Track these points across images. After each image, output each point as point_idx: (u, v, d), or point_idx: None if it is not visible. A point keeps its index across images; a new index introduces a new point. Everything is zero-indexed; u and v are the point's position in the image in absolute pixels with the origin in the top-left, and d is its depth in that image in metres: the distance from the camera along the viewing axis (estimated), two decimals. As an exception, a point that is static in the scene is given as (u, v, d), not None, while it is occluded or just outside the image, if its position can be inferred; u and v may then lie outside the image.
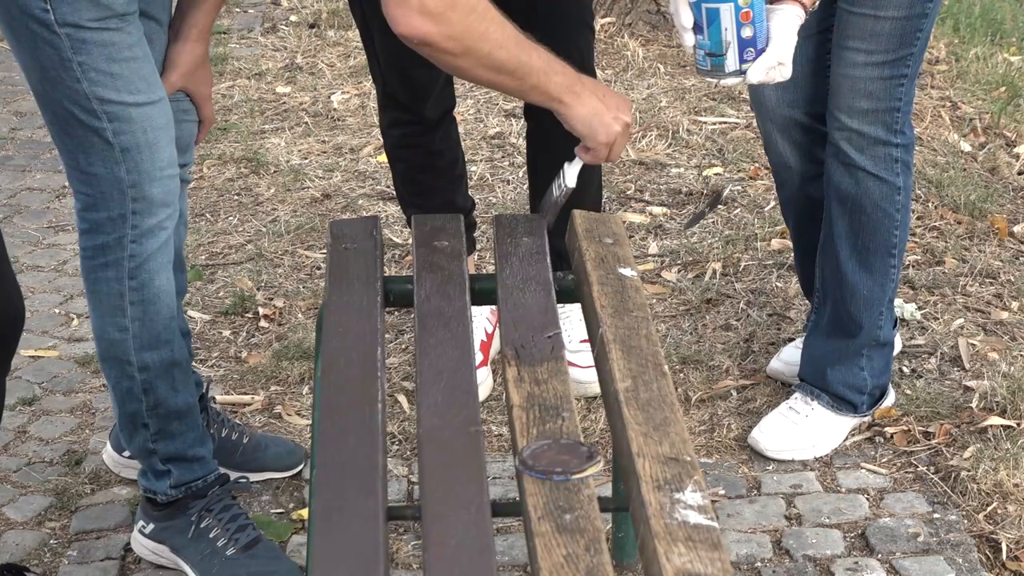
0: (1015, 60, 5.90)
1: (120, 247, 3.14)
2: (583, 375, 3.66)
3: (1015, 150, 5.03)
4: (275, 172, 5.05)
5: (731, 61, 3.05)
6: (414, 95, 3.90)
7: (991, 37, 6.06)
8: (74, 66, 3.01)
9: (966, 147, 4.98)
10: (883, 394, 3.72)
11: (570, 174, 3.20)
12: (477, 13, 2.84)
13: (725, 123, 5.21)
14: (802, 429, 3.64)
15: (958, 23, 6.09)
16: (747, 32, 3.01)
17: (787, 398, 3.71)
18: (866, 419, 3.70)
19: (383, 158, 4.94)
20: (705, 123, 5.22)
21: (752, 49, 3.03)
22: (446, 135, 4.01)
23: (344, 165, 5.09)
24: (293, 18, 6.37)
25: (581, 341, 3.68)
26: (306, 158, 5.13)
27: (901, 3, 3.39)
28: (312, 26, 6.30)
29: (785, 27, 3.07)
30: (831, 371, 3.64)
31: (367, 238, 3.19)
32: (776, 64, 3.07)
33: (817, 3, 3.14)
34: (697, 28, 3.05)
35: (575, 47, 3.93)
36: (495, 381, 3.85)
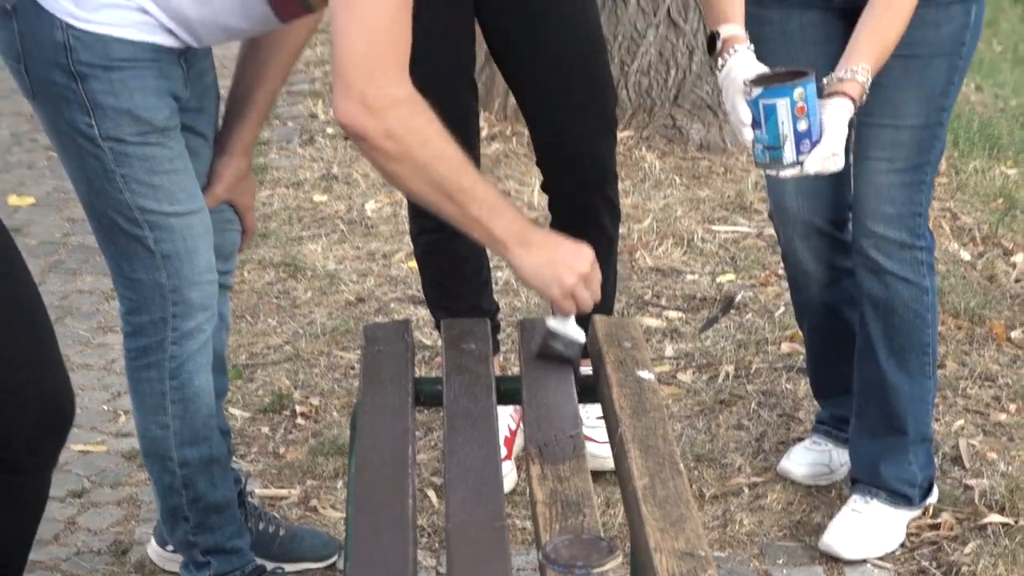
0: (1012, 173, 5.91)
1: (161, 349, 3.15)
2: (599, 450, 3.64)
3: (1012, 259, 5.03)
4: (312, 277, 5.06)
5: (788, 153, 3.05)
6: None
7: (989, 151, 6.07)
8: (117, 178, 3.03)
9: (966, 256, 4.98)
10: (931, 485, 3.70)
11: (557, 326, 2.98)
12: (421, 118, 2.71)
13: (737, 232, 5.22)
14: (868, 528, 3.61)
15: (958, 138, 6.09)
16: (802, 125, 3.02)
17: (844, 501, 3.68)
18: (919, 511, 3.68)
19: (414, 264, 4.95)
20: (718, 232, 5.23)
21: (808, 141, 3.03)
22: (472, 242, 4.02)
23: (377, 270, 5.10)
24: (329, 130, 6.40)
25: (597, 418, 3.67)
26: (341, 263, 5.14)
27: (918, 112, 3.42)
28: (347, 138, 6.34)
29: (837, 119, 3.08)
30: (884, 468, 3.61)
31: (399, 341, 3.21)
32: (831, 154, 3.06)
33: (865, 97, 3.14)
34: (755, 123, 3.06)
35: (598, 152, 3.96)
36: (519, 476, 3.85)
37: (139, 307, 3.15)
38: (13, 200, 5.87)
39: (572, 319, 2.93)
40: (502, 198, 2.84)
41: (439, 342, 3.51)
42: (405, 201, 5.31)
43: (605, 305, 4.08)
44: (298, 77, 3.30)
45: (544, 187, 4.07)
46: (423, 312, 4.67)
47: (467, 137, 3.99)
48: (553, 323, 2.94)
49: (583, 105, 3.93)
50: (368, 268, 5.11)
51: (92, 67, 2.96)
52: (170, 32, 3.00)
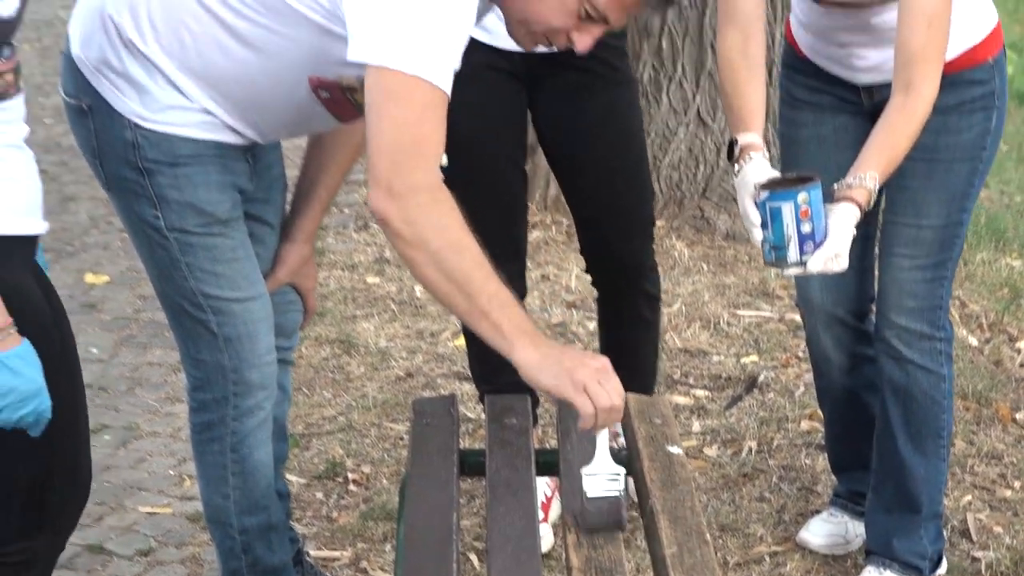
0: (1016, 265, 5.90)
1: (223, 425, 3.17)
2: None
3: (1017, 345, 5.02)
4: (365, 353, 5.07)
5: (792, 253, 3.05)
6: None
7: (995, 244, 6.07)
8: (182, 266, 3.05)
9: (973, 342, 4.98)
10: (941, 557, 3.70)
11: (591, 480, 2.65)
12: (441, 207, 2.64)
13: (760, 316, 5.23)
14: None
15: (967, 231, 6.09)
16: (806, 227, 3.02)
17: (859, 571, 3.68)
18: None
19: (459, 342, 4.98)
20: (743, 316, 5.24)
21: (811, 242, 3.03)
22: None
23: (425, 348, 5.12)
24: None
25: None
26: (392, 341, 5.16)
27: (940, 213, 3.43)
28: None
29: (842, 222, 3.07)
30: (897, 542, 3.61)
31: (445, 415, 3.23)
32: (834, 255, 3.05)
33: (872, 202, 3.15)
34: (764, 224, 3.06)
35: (638, 251, 3.99)
36: (556, 540, 3.85)
37: (203, 385, 3.18)
38: (89, 278, 5.92)
39: (607, 455, 2.66)
40: (514, 299, 2.69)
41: (483, 415, 3.53)
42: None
43: (645, 383, 4.10)
44: (355, 167, 3.31)
45: (587, 271, 4.12)
46: (468, 387, 4.69)
47: (515, 224, 4.03)
48: (587, 476, 2.64)
49: (627, 209, 3.96)
50: (417, 346, 5.13)
51: (158, 163, 2.98)
52: (233, 130, 3.02)
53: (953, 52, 3.32)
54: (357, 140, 3.24)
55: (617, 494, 2.62)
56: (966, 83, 3.38)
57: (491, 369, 4.01)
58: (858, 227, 3.34)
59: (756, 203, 3.08)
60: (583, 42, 2.80)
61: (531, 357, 2.63)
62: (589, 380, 2.59)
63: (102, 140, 3.04)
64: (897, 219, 3.46)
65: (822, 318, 3.69)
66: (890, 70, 3.23)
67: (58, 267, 5.97)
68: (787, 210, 3.02)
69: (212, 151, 3.01)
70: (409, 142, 2.64)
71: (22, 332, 2.52)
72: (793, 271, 3.11)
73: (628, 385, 3.99)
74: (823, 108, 3.52)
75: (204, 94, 2.96)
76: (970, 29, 3.37)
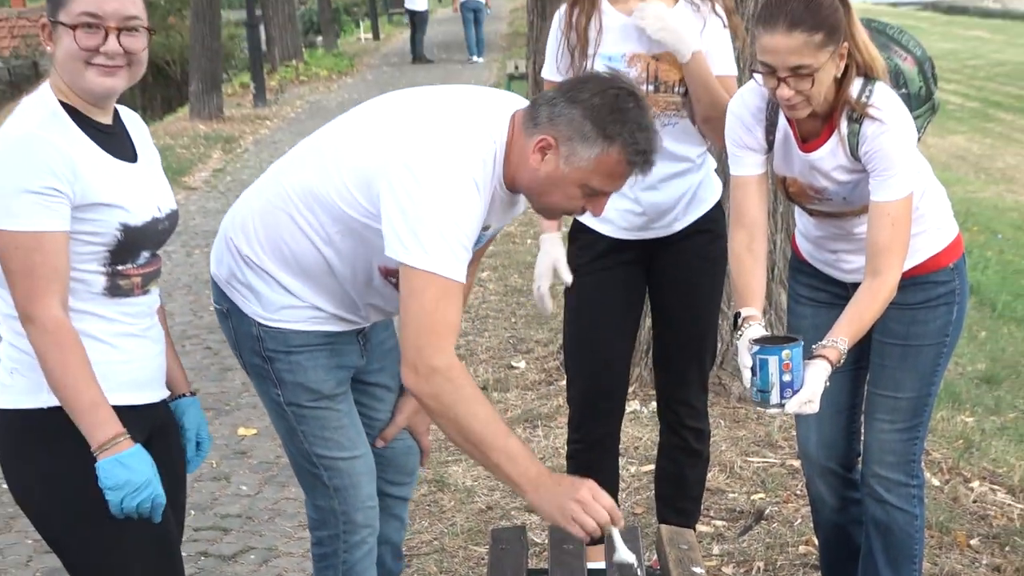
0: (969, 421, 5.87)
1: (335, 556, 3.18)
2: None
3: (970, 484, 4.96)
4: (455, 490, 5.06)
5: (774, 397, 3.04)
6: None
7: (952, 404, 6.05)
8: (299, 433, 3.09)
9: (936, 482, 4.92)
10: None
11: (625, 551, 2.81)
12: (457, 382, 2.71)
13: (767, 462, 5.20)
14: None
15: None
16: (787, 377, 3.02)
17: None
18: None
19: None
20: (752, 462, 5.20)
21: (790, 390, 3.03)
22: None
23: (502, 486, 5.06)
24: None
25: None
26: (476, 480, 5.15)
27: (913, 387, 3.44)
28: (483, 388, 6.36)
29: (816, 375, 3.07)
30: None
31: (517, 541, 3.24)
32: (807, 400, 3.05)
33: (842, 360, 3.13)
34: (754, 371, 3.06)
35: (698, 402, 4.00)
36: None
37: (319, 525, 3.20)
38: (241, 431, 5.95)
39: (620, 544, 2.77)
40: (522, 449, 2.76)
41: (547, 541, 3.52)
42: (525, 437, 5.35)
43: (695, 506, 4.09)
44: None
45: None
46: (535, 518, 4.69)
47: (619, 390, 4.01)
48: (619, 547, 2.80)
49: (698, 374, 4.00)
50: (495, 484, 5.10)
51: (277, 352, 3.03)
52: (338, 318, 3.06)
53: (920, 259, 3.36)
54: None
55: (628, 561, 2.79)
56: (931, 284, 3.41)
57: None
58: (847, 398, 3.37)
59: (749, 353, 3.10)
60: (597, 210, 2.90)
61: (533, 499, 2.73)
62: (575, 511, 2.67)
63: (238, 335, 3.10)
64: (879, 392, 3.48)
65: (817, 468, 3.68)
66: None
67: (217, 422, 6.02)
68: (772, 362, 3.04)
69: (320, 340, 3.05)
70: (427, 331, 2.71)
71: None
72: (774, 411, 3.11)
73: (675, 505, 4.01)
74: (820, 303, 3.56)
75: (309, 291, 3.00)
76: (934, 241, 3.41)
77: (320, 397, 3.07)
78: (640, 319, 4.04)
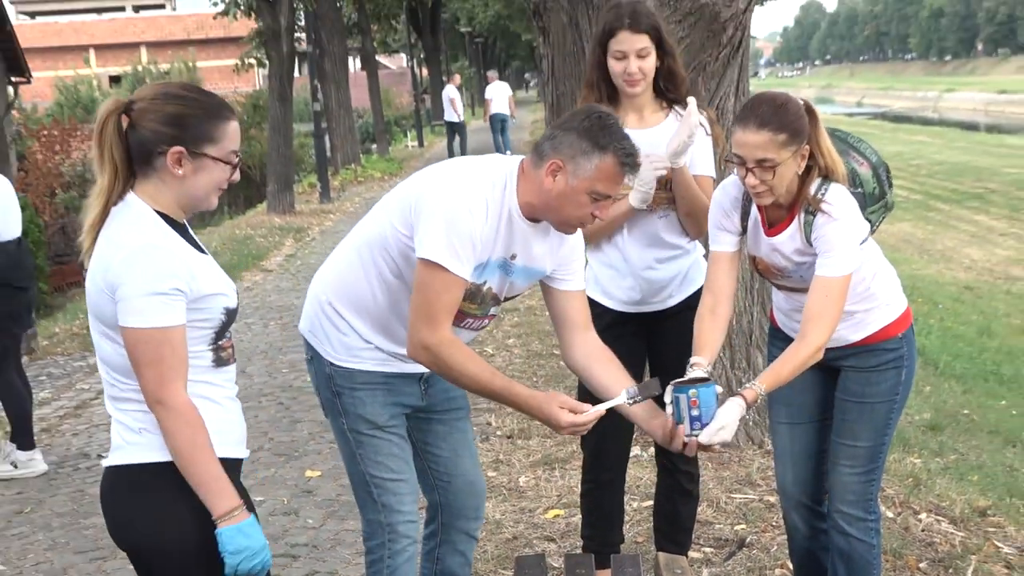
0: (917, 462, 5.80)
1: (382, 561, 3.20)
2: None
3: (919, 516, 4.90)
4: (487, 523, 4.96)
5: (686, 427, 3.03)
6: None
7: (903, 448, 5.99)
8: (357, 455, 3.12)
9: (890, 514, 4.86)
10: None
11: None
12: (450, 351, 2.88)
13: (747, 498, 5.14)
14: None
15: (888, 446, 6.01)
16: (695, 412, 3.01)
17: None
18: None
19: (550, 514, 4.95)
20: (735, 498, 5.15)
21: (698, 423, 3.02)
22: (612, 496, 3.99)
23: (525, 519, 5.06)
24: (499, 433, 6.41)
25: None
26: (504, 515, 5.10)
27: (869, 437, 3.43)
28: (509, 436, 6.35)
29: (729, 409, 3.05)
30: None
31: (537, 566, 3.23)
32: (716, 431, 3.01)
33: (759, 400, 3.11)
34: (672, 405, 3.05)
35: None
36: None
37: (369, 535, 3.22)
38: (308, 473, 5.92)
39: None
40: (509, 386, 2.94)
41: (563, 565, 3.48)
42: (543, 473, 5.32)
43: (687, 536, 4.05)
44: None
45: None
46: (552, 546, 4.65)
47: (620, 450, 3.95)
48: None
49: None
50: (520, 518, 5.07)
51: (344, 388, 3.08)
52: (397, 358, 3.08)
53: (873, 330, 3.36)
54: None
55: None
56: (883, 350, 3.40)
57: (597, 527, 3.98)
58: (816, 445, 3.34)
59: (672, 391, 3.09)
60: (603, 214, 2.98)
61: (530, 413, 2.96)
62: (570, 432, 2.94)
63: (317, 376, 3.16)
64: (841, 441, 3.46)
65: (792, 502, 3.65)
66: (833, 341, 3.25)
67: (287, 466, 6.02)
68: (683, 399, 3.04)
69: (380, 379, 3.09)
70: (425, 315, 2.87)
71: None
72: (688, 439, 3.06)
73: (671, 536, 3.95)
74: None
75: (368, 328, 3.06)
76: (885, 314, 3.41)
77: (375, 427, 3.11)
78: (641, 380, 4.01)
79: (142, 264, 2.45)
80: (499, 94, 25.20)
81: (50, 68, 42.75)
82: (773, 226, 3.29)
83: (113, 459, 2.58)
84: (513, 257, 3.00)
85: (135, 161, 2.54)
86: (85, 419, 7.49)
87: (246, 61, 23.07)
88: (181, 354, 2.48)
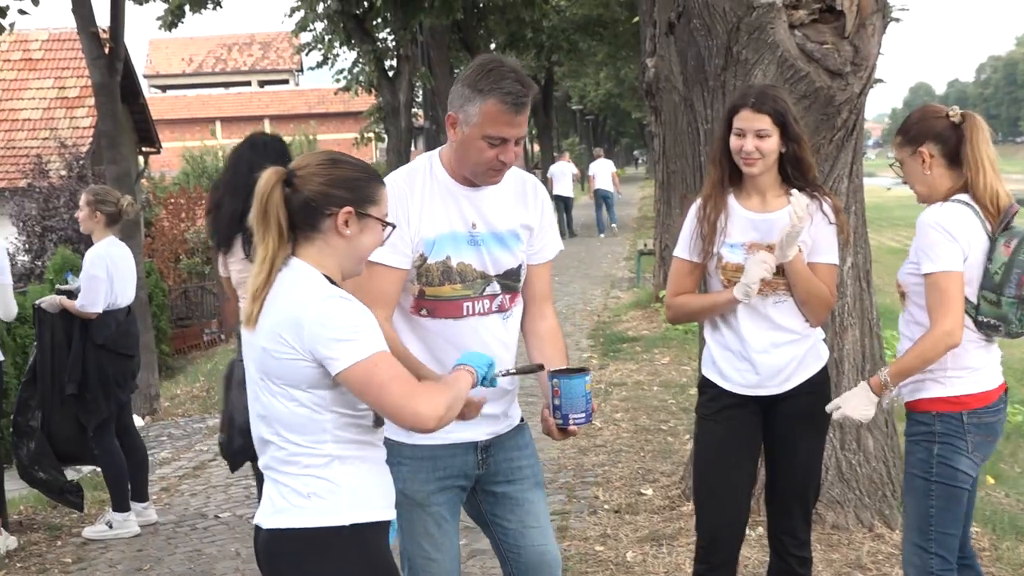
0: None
1: None
2: None
3: None
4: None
5: (549, 412, 3.11)
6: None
7: (1016, 535, 5.75)
8: (399, 528, 3.10)
9: None
10: None
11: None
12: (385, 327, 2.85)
13: None
14: None
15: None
16: (556, 401, 3.08)
17: None
18: None
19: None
20: None
21: (559, 412, 3.08)
22: None
23: None
24: (606, 507, 6.34)
25: None
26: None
27: (912, 507, 3.59)
28: (616, 511, 6.24)
29: (853, 393, 3.48)
30: None
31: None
32: (835, 409, 3.39)
33: (886, 388, 3.40)
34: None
35: (803, 522, 3.90)
36: None
37: None
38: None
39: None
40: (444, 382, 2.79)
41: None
42: (652, 554, 5.22)
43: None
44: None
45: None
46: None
47: (734, 533, 3.86)
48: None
49: (802, 510, 3.90)
50: None
51: (390, 462, 2.96)
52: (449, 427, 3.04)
53: (917, 396, 3.53)
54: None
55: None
56: (915, 420, 3.55)
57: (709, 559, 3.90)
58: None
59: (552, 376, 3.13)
60: (508, 157, 3.01)
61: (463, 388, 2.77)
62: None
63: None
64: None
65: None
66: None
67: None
68: (550, 386, 3.10)
69: (425, 453, 3.08)
70: (369, 303, 2.69)
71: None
72: (562, 426, 3.09)
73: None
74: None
75: None
76: (935, 389, 3.48)
77: (413, 504, 3.08)
78: (756, 463, 3.95)
79: (339, 309, 2.53)
80: (602, 170, 25.33)
81: (178, 139, 44.14)
82: None
83: (276, 521, 2.61)
84: (474, 226, 3.07)
85: (298, 226, 2.63)
86: (203, 480, 7.63)
87: (365, 135, 23.63)
88: (405, 369, 2.57)
